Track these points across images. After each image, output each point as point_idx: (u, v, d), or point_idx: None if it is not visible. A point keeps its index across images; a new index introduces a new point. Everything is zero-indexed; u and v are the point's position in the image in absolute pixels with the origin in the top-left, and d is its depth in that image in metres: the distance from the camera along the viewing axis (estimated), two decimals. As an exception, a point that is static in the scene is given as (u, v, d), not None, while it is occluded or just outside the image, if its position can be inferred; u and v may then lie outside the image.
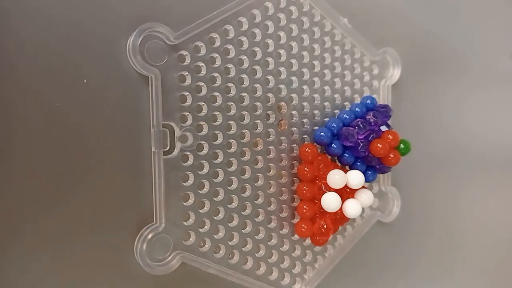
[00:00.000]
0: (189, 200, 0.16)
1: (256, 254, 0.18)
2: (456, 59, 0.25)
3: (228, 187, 0.17)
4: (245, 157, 0.18)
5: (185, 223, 0.16)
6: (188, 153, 0.16)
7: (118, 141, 0.15)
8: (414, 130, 0.23)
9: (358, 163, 0.19)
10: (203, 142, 0.17)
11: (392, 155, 0.19)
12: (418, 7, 0.23)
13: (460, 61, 0.25)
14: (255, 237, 0.18)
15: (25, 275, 0.14)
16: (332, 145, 0.19)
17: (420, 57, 0.24)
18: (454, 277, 0.26)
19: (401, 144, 0.19)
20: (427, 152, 0.24)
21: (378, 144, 0.18)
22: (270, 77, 0.18)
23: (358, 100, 0.20)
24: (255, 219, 0.18)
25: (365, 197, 0.19)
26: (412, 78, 0.23)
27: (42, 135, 0.14)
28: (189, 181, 0.16)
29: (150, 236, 0.16)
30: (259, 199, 0.18)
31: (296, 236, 0.19)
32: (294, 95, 0.19)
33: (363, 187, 0.19)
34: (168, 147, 0.16)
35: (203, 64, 0.16)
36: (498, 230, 0.27)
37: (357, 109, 0.20)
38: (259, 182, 0.18)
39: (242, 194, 0.18)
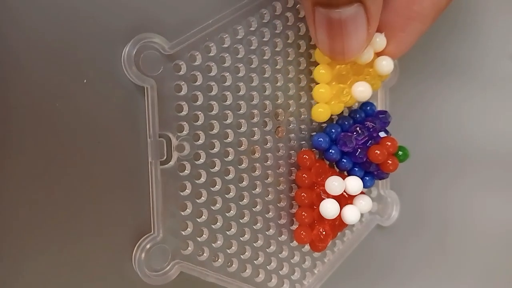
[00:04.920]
0: (187, 210, 0.16)
1: (255, 262, 0.18)
2: (454, 61, 0.25)
3: (226, 195, 0.17)
4: (242, 165, 0.18)
5: (183, 232, 0.16)
6: (185, 162, 0.16)
7: (115, 151, 0.15)
8: (413, 133, 0.23)
9: (356, 169, 0.19)
10: (200, 151, 0.16)
11: (390, 162, 0.19)
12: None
13: (459, 63, 0.25)
14: (254, 244, 0.18)
15: (22, 283, 0.14)
16: (330, 151, 0.19)
17: (418, 59, 0.24)
18: (455, 281, 0.26)
19: (399, 151, 0.19)
20: (426, 155, 0.24)
21: (376, 150, 0.18)
22: (267, 84, 0.18)
23: (356, 105, 0.20)
24: (254, 227, 0.18)
25: (364, 203, 0.19)
26: (410, 81, 0.23)
27: (39, 144, 0.14)
28: (186, 190, 0.16)
29: (148, 246, 0.16)
30: (257, 207, 0.18)
31: (295, 243, 0.19)
32: (291, 102, 0.19)
33: (361, 192, 0.19)
34: (165, 157, 0.16)
35: (199, 73, 0.16)
36: (499, 234, 0.27)
37: (356, 115, 0.20)
38: (257, 190, 0.18)
39: (240, 202, 0.18)
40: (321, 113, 0.18)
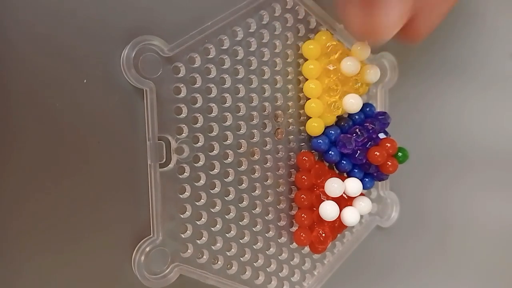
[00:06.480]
0: (186, 212, 0.16)
1: (254, 264, 0.18)
2: (454, 61, 0.25)
3: (225, 198, 0.17)
4: (242, 167, 0.17)
5: (182, 235, 0.16)
6: (184, 165, 0.16)
7: (114, 154, 0.15)
8: (412, 134, 0.23)
9: (356, 170, 0.19)
10: (199, 154, 0.16)
11: (389, 163, 0.19)
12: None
13: (459, 63, 0.25)
14: (253, 246, 0.18)
15: (22, 283, 0.14)
16: (330, 152, 0.19)
17: (418, 60, 0.24)
18: (455, 282, 0.26)
19: (399, 152, 0.19)
20: (426, 156, 0.24)
21: (376, 152, 0.18)
22: (266, 86, 0.18)
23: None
24: (253, 229, 0.18)
25: (363, 205, 0.19)
26: (410, 82, 0.23)
27: (39, 144, 0.14)
28: (185, 193, 0.16)
29: (147, 249, 0.16)
30: (256, 209, 0.18)
31: (294, 244, 0.19)
32: (290, 103, 0.19)
33: (361, 194, 0.19)
34: (164, 160, 0.16)
35: (198, 75, 0.16)
36: (500, 234, 0.27)
37: (355, 116, 0.20)
38: (256, 192, 0.18)
39: (239, 204, 0.18)
40: (315, 127, 0.18)
